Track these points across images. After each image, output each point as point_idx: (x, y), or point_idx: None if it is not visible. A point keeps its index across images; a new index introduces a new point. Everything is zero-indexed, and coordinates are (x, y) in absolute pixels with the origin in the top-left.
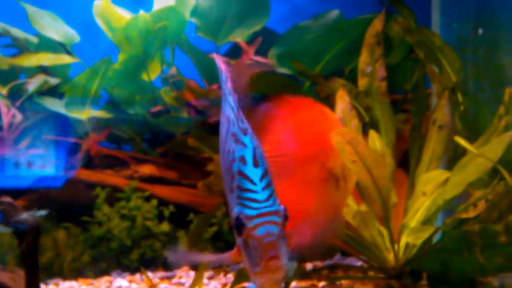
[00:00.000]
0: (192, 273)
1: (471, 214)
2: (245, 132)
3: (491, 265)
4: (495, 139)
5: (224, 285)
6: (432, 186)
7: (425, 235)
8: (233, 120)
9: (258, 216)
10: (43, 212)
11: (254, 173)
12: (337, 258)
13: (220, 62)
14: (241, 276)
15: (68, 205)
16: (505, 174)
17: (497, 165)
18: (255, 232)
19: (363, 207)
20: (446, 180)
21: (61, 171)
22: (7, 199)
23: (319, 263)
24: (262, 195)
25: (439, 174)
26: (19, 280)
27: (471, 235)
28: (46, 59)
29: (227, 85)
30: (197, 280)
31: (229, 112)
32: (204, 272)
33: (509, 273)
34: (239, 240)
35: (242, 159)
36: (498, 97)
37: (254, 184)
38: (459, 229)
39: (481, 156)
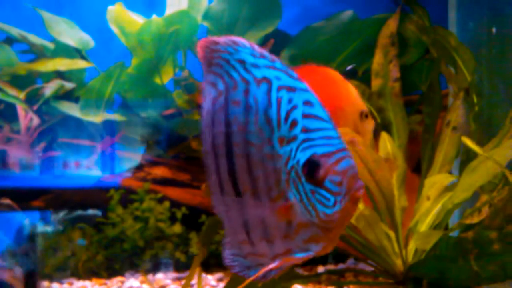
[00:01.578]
0: (203, 275)
1: (475, 219)
2: (297, 78)
3: (485, 273)
4: (506, 142)
5: None
6: (436, 190)
7: (433, 240)
8: (277, 75)
9: (338, 151)
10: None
11: (324, 113)
12: (350, 262)
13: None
14: (234, 282)
15: (82, 205)
16: (511, 178)
17: (504, 169)
18: (338, 166)
19: (367, 210)
20: (452, 184)
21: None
22: (7, 201)
23: (331, 266)
24: (335, 133)
25: (443, 178)
26: (18, 278)
27: (466, 243)
28: (62, 64)
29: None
30: (190, 277)
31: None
32: (196, 269)
33: (502, 282)
34: (300, 189)
35: (308, 102)
36: (511, 98)
37: (327, 122)
38: (456, 236)
39: (490, 159)
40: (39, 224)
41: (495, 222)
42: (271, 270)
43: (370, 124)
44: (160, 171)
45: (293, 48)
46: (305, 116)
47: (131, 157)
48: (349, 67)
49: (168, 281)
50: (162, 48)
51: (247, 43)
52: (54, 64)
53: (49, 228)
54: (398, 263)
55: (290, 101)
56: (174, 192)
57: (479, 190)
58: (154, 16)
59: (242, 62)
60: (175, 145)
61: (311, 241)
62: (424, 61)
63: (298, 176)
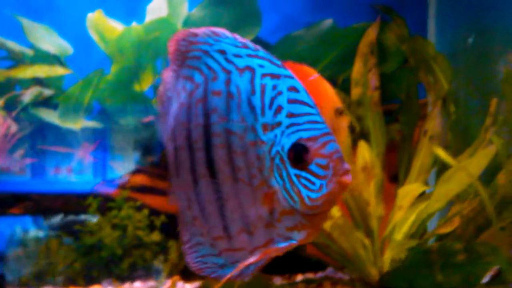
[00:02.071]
0: (182, 284)
1: (448, 229)
2: (281, 66)
3: (449, 284)
4: (480, 152)
5: None
6: (409, 199)
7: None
8: (260, 63)
9: (323, 135)
10: None
11: (308, 98)
12: (329, 271)
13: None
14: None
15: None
16: (481, 189)
17: (475, 180)
18: (325, 149)
19: (341, 219)
20: (428, 193)
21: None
22: None
23: (310, 275)
24: (320, 117)
25: (416, 188)
26: None
27: (431, 253)
28: (41, 71)
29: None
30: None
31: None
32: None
33: None
34: (284, 175)
35: (293, 88)
36: (487, 106)
37: (312, 107)
38: (422, 246)
39: (463, 170)
40: (19, 229)
41: (467, 232)
42: (249, 264)
43: (345, 121)
44: (138, 179)
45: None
46: (290, 101)
47: (111, 165)
48: None
49: None
50: (141, 55)
51: (228, 33)
52: (33, 71)
53: (41, 233)
54: (374, 272)
55: (274, 87)
56: (153, 200)
57: (455, 198)
58: (134, 23)
59: (223, 52)
60: (154, 153)
61: (294, 229)
62: (403, 70)
63: (283, 161)
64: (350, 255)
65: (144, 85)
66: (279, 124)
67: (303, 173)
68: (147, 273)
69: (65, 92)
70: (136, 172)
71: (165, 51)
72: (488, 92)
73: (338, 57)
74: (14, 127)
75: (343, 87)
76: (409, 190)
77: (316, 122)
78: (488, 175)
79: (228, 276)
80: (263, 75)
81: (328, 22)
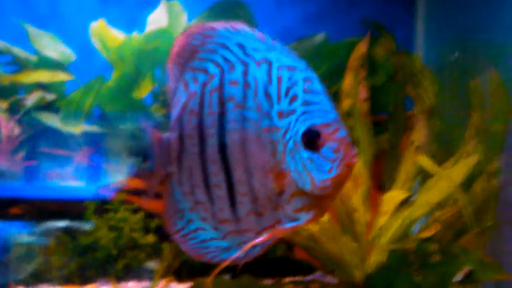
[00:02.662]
0: (174, 284)
1: (428, 233)
2: (297, 59)
3: (426, 283)
4: (461, 162)
5: None
6: (393, 205)
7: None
8: (277, 56)
9: (334, 121)
10: None
11: (321, 87)
12: (318, 274)
13: None
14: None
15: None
16: (460, 197)
17: (455, 188)
18: (336, 135)
19: (329, 224)
20: (412, 200)
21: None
22: None
23: (299, 278)
24: (331, 105)
25: (399, 194)
26: None
27: (409, 254)
28: (44, 76)
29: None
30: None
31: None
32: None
33: None
34: (297, 159)
35: (308, 79)
36: (469, 119)
37: (324, 95)
38: (402, 248)
39: (444, 178)
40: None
41: (446, 237)
42: (256, 245)
43: None
44: (135, 182)
45: None
46: (305, 91)
47: (110, 168)
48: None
49: None
50: (141, 63)
51: (246, 28)
52: (36, 76)
53: (31, 238)
54: (359, 274)
55: (290, 78)
56: (148, 203)
57: (437, 205)
58: (135, 33)
59: (241, 46)
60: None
61: (302, 210)
62: (391, 83)
63: (296, 145)
64: (338, 259)
65: (143, 92)
66: (293, 111)
67: (315, 156)
68: (141, 273)
69: (66, 97)
70: (133, 176)
71: (164, 60)
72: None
73: (329, 69)
74: (16, 130)
75: (334, 98)
76: (393, 196)
77: (328, 110)
78: (467, 184)
79: (234, 256)
80: (280, 67)
81: (320, 36)
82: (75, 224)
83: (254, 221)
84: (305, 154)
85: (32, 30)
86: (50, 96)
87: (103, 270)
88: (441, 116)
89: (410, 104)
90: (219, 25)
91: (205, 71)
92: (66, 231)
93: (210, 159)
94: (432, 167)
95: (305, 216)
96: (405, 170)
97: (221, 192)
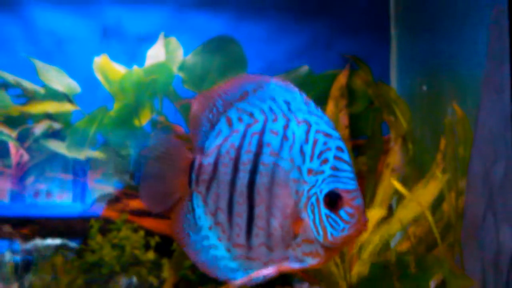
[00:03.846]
0: None
1: (403, 247)
2: (333, 127)
3: None
4: (432, 184)
5: None
6: (373, 222)
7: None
8: (317, 121)
9: (355, 190)
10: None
11: (349, 159)
12: (305, 285)
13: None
14: None
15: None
16: (429, 216)
17: (425, 209)
18: (355, 201)
19: None
20: (389, 218)
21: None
22: (7, 228)
23: None
24: (354, 176)
25: (377, 212)
26: None
27: (390, 265)
28: (51, 107)
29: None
30: None
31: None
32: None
33: None
34: (316, 213)
35: (340, 148)
36: (438, 144)
37: (350, 166)
38: (383, 261)
39: (415, 200)
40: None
41: (419, 250)
42: (263, 274)
43: None
44: (136, 204)
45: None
46: (336, 158)
47: (110, 191)
48: None
49: None
50: (141, 94)
51: (296, 89)
52: (44, 107)
53: (16, 257)
54: (344, 285)
55: (325, 143)
56: (149, 223)
57: (412, 221)
58: (135, 67)
59: (287, 103)
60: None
61: (309, 255)
62: (369, 110)
63: (318, 201)
64: (324, 271)
65: (143, 120)
66: (322, 172)
67: (332, 215)
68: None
69: (72, 126)
70: (133, 197)
71: (162, 91)
72: (439, 132)
73: (313, 99)
74: (26, 157)
75: None
76: (372, 214)
77: (351, 178)
78: (436, 202)
79: (240, 281)
80: (317, 131)
81: (304, 68)
82: (64, 241)
83: (265, 252)
84: (324, 210)
85: (39, 64)
86: (57, 125)
87: (107, 286)
88: (414, 141)
89: (386, 129)
90: (273, 80)
91: (251, 115)
92: (57, 248)
93: (239, 190)
94: (404, 190)
95: (311, 261)
96: (383, 190)
97: (241, 221)
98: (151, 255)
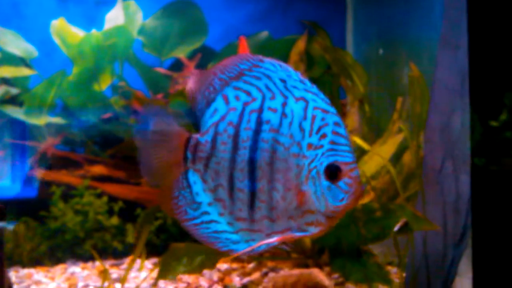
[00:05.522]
0: (139, 261)
1: (366, 199)
2: (329, 103)
3: (370, 235)
4: (390, 140)
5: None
6: None
7: None
8: (314, 98)
9: (353, 162)
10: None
11: (346, 133)
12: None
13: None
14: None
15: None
16: (391, 168)
17: (386, 162)
18: (353, 173)
19: None
20: None
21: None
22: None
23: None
24: (351, 149)
25: None
26: None
27: (356, 212)
28: (8, 71)
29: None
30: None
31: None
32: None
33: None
34: (317, 185)
35: (337, 123)
36: (394, 105)
37: (347, 140)
38: None
39: (376, 154)
40: None
41: (382, 201)
42: (267, 243)
43: None
44: (98, 169)
45: (218, 62)
46: (334, 133)
47: (69, 157)
48: None
49: (107, 267)
50: (101, 58)
51: (290, 68)
52: (0, 72)
53: None
54: (307, 241)
55: (323, 119)
56: (112, 188)
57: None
58: (93, 30)
59: (283, 81)
60: (112, 146)
61: (312, 224)
62: (327, 75)
63: (318, 174)
64: None
65: (103, 85)
66: (321, 146)
67: (333, 186)
68: (107, 252)
69: (30, 91)
70: (95, 162)
71: (122, 55)
72: (396, 93)
73: None
74: None
75: None
76: None
77: (349, 151)
78: (396, 157)
79: (242, 251)
80: (315, 108)
81: (264, 33)
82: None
83: (267, 225)
84: (325, 183)
85: None
86: (14, 91)
87: (72, 251)
88: (371, 103)
89: (344, 93)
90: (268, 59)
91: (248, 93)
92: None
93: (239, 166)
94: (365, 145)
95: (313, 229)
96: None
97: (243, 195)
98: (114, 220)
